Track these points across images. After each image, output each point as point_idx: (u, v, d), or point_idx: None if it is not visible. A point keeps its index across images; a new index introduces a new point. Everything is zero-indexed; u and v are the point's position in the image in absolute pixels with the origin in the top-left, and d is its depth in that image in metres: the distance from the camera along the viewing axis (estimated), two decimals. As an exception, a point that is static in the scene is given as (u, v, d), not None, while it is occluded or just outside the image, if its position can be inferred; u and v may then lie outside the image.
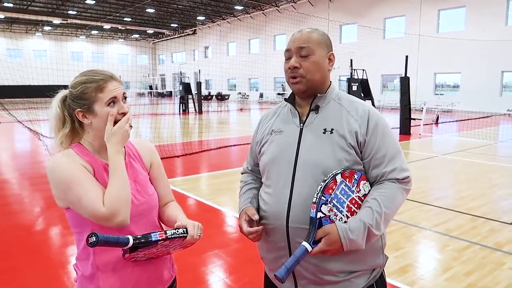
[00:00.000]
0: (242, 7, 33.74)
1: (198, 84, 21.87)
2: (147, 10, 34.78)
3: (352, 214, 1.33)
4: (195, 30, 43.39)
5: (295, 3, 30.96)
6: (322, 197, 1.28)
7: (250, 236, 1.42)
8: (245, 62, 34.00)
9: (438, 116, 16.66)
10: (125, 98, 1.36)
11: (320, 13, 28.56)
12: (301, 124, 1.46)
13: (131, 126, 1.35)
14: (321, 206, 1.28)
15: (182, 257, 3.51)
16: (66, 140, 1.34)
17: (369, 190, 1.39)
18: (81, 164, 1.28)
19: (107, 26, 39.93)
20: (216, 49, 41.00)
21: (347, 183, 1.33)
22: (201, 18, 38.74)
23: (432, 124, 15.51)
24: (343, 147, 1.36)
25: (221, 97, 27.45)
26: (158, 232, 1.22)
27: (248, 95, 36.60)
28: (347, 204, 1.33)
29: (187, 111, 21.93)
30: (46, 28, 41.65)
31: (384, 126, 1.42)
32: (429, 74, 23.86)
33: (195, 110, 21.54)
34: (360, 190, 1.37)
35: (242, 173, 1.74)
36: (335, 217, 1.30)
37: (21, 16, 33.79)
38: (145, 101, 36.59)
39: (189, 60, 45.37)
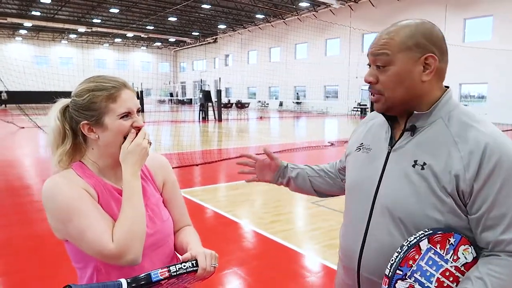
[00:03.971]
0: (263, 16, 33.80)
1: (218, 92, 21.89)
2: (169, 19, 35.27)
3: None
4: (216, 38, 43.72)
5: (317, 11, 30.81)
6: (398, 271, 0.96)
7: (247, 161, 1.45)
8: (266, 70, 33.99)
9: (464, 127, 16.11)
10: (139, 111, 1.17)
11: (342, 22, 28.32)
12: (389, 147, 1.12)
13: (150, 143, 1.15)
14: (395, 282, 0.97)
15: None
16: (66, 159, 1.14)
17: (474, 259, 1.01)
18: (83, 189, 1.09)
19: (130, 34, 40.70)
20: (236, 57, 41.18)
21: (438, 250, 0.98)
22: (222, 26, 39.03)
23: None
24: (435, 192, 1.00)
25: (241, 105, 27.43)
26: (160, 270, 1.00)
27: (268, 104, 36.51)
28: (438, 277, 0.99)
29: (206, 119, 21.94)
30: (72, 36, 42.80)
31: (510, 171, 0.96)
32: (454, 85, 23.25)
33: (215, 118, 21.53)
34: (459, 258, 1.00)
35: None
36: None
37: (48, 24, 34.82)
38: (165, 108, 36.93)
39: (209, 68, 45.72)
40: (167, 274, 1.00)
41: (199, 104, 22.76)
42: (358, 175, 1.19)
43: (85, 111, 1.11)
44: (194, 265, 1.05)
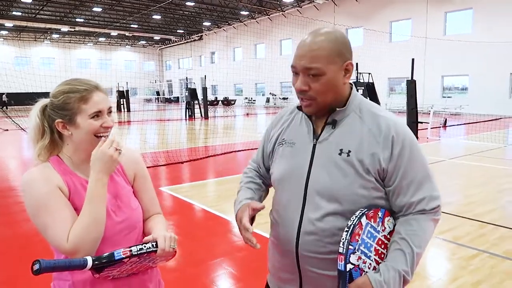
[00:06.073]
0: (248, 12, 33.83)
1: (204, 90, 21.92)
2: (153, 17, 35.05)
3: (380, 257, 1.20)
4: (201, 35, 43.59)
5: (301, 7, 30.98)
6: (350, 246, 1.12)
7: (247, 241, 1.23)
8: (251, 67, 34.05)
9: (446, 119, 16.48)
10: (110, 112, 1.29)
11: (326, 17, 28.53)
12: (315, 139, 1.28)
13: (120, 151, 1.23)
14: (349, 256, 1.12)
15: (182, 267, 3.47)
16: (45, 153, 1.27)
17: (394, 226, 1.24)
18: (56, 185, 1.22)
19: (114, 33, 40.31)
20: (222, 55, 41.13)
21: (372, 223, 1.18)
22: (207, 23, 38.93)
23: (440, 127, 15.33)
24: (360, 174, 1.19)
25: (227, 102, 27.50)
26: (122, 250, 1.13)
27: (254, 100, 36.60)
28: (374, 247, 1.19)
29: (193, 117, 21.95)
30: (54, 36, 42.16)
31: (413, 146, 1.22)
32: (436, 77, 23.66)
33: (201, 116, 21.57)
34: (385, 228, 1.22)
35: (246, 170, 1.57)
36: (364, 264, 1.16)
37: (29, 24, 34.24)
38: (152, 107, 36.75)
39: (195, 65, 45.57)
40: (128, 253, 1.13)
41: (185, 102, 22.74)
42: (287, 167, 1.32)
43: (60, 111, 1.24)
44: (154, 246, 1.19)
